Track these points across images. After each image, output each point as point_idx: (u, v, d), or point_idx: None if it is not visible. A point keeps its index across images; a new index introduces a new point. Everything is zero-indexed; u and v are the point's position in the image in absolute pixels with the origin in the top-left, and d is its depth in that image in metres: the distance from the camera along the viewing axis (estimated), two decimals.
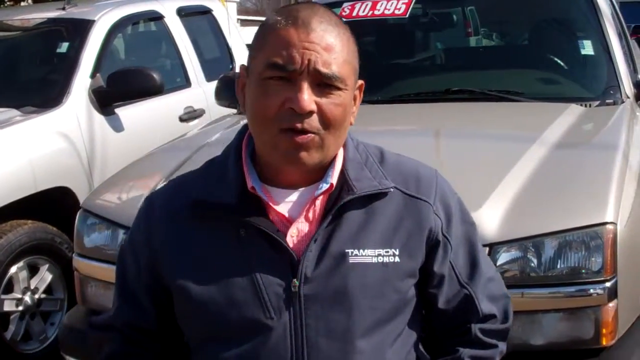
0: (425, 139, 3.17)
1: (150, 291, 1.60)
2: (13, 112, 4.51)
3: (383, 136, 3.37)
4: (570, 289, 2.33)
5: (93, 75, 4.89)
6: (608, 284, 2.31)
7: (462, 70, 3.95)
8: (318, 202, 1.52)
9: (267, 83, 1.44)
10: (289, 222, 1.51)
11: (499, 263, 2.33)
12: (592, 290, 2.32)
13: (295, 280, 1.47)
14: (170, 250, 1.54)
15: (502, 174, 2.59)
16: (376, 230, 1.52)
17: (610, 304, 2.33)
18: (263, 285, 1.47)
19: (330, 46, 1.43)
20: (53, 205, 4.35)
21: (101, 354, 1.70)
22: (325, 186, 1.51)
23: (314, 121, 1.43)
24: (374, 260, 1.50)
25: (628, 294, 2.42)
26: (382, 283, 1.50)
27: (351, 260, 1.49)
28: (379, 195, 1.53)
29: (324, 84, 1.44)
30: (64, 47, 5.10)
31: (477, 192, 2.50)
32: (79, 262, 2.96)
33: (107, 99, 4.87)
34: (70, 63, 4.89)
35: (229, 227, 1.50)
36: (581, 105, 3.35)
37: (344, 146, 1.57)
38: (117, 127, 4.97)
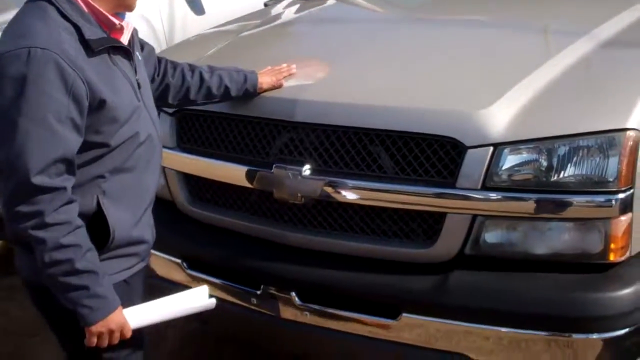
0: (466, 28, 2.97)
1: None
2: None
3: (429, 24, 3.20)
4: (578, 197, 2.14)
5: None
6: (622, 196, 2.11)
7: None
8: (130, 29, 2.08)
9: None
10: None
11: (503, 166, 2.18)
12: (602, 201, 2.13)
13: (137, 76, 2.09)
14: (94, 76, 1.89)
15: (530, 69, 2.38)
16: None
17: (623, 218, 2.13)
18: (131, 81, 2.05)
19: None
20: None
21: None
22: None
23: None
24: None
25: None
26: None
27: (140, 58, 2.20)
28: None
29: None
30: None
31: (494, 86, 2.32)
32: None
33: None
34: None
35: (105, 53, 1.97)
36: None
37: None
38: (198, 10, 4.96)
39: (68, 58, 1.83)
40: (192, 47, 3.35)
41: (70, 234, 1.87)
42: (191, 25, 4.86)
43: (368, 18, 3.52)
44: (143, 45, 2.36)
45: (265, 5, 5.25)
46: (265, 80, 2.55)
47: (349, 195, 2.35)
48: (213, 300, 2.22)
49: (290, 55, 2.78)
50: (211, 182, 2.71)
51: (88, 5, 1.93)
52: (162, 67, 2.46)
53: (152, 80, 2.40)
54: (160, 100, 2.45)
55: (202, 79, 2.49)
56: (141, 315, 2.08)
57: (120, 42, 2.00)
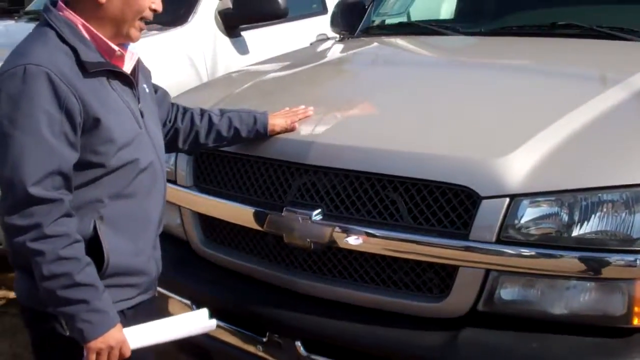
0: (496, 73, 2.87)
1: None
2: None
3: (461, 68, 3.10)
4: (601, 255, 1.99)
5: None
6: None
7: (574, 4, 3.48)
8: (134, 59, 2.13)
9: None
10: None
11: (522, 219, 2.04)
12: (627, 260, 1.97)
13: (140, 104, 2.10)
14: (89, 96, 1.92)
15: (555, 116, 2.25)
16: None
17: None
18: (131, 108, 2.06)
19: None
20: None
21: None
22: (137, 53, 2.15)
23: None
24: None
25: None
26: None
27: (147, 91, 2.20)
28: None
29: None
30: None
31: (515, 134, 2.20)
32: None
33: (233, 21, 4.88)
34: None
35: (103, 77, 1.99)
36: None
37: None
38: (242, 50, 4.97)
39: (61, 74, 1.88)
40: (221, 85, 3.33)
41: (69, 246, 1.87)
42: (235, 66, 4.86)
43: (401, 60, 3.45)
44: (157, 89, 2.37)
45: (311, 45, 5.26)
46: (277, 122, 2.49)
47: (358, 243, 2.24)
48: (214, 322, 2.17)
49: (311, 96, 2.72)
50: (224, 223, 2.65)
51: (88, 31, 1.99)
52: (173, 112, 2.45)
53: (164, 125, 2.40)
54: (171, 145, 2.44)
55: (211, 122, 2.46)
56: (141, 335, 2.03)
57: (118, 68, 2.03)
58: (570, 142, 2.15)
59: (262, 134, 2.48)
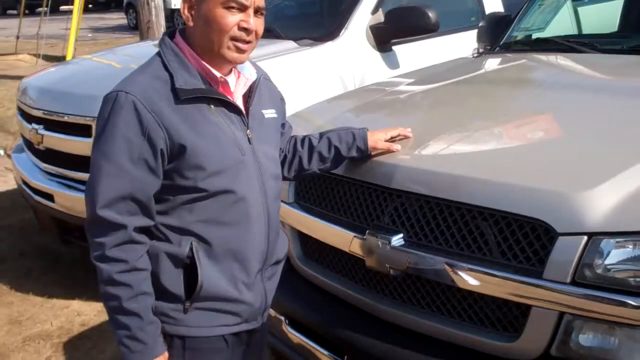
0: (611, 97, 2.62)
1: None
2: (289, 44, 4.74)
3: (576, 91, 2.88)
4: None
5: (374, 12, 4.91)
6: None
7: None
8: (247, 84, 2.16)
9: (228, 10, 1.99)
10: (232, 97, 2.11)
11: (598, 259, 1.87)
12: None
13: (248, 130, 2.10)
14: (177, 122, 1.95)
15: None
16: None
17: None
18: (234, 135, 2.06)
19: None
20: None
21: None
22: (254, 77, 2.17)
23: (253, 36, 2.05)
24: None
25: None
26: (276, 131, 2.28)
27: (266, 116, 2.21)
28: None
29: (258, 13, 2.06)
30: None
31: (605, 167, 2.02)
32: None
33: (384, 36, 4.86)
34: None
35: (203, 104, 2.02)
36: None
37: None
38: (392, 64, 4.93)
39: (149, 103, 1.91)
40: (341, 101, 3.34)
41: (124, 272, 1.92)
42: (384, 78, 4.85)
43: (516, 81, 3.27)
44: (284, 123, 2.38)
45: None
46: (379, 137, 2.43)
47: (433, 272, 2.16)
48: None
49: (411, 117, 2.65)
50: (318, 241, 2.65)
51: (193, 57, 2.02)
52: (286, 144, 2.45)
53: None
54: None
55: (311, 145, 2.42)
56: None
57: (216, 94, 2.02)
58: None
59: (362, 150, 2.43)
